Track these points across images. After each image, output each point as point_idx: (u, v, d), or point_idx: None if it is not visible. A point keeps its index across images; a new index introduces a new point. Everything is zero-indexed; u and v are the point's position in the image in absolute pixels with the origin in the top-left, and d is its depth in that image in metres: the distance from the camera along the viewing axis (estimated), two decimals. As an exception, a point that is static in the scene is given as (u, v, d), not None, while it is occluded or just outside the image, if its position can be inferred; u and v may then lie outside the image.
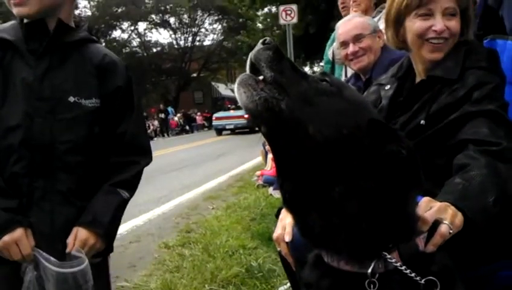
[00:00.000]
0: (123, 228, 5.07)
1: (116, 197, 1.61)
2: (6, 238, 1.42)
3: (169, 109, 31.83)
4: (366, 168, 0.98)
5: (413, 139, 1.59)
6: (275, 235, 1.68)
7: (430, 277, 0.98)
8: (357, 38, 2.51)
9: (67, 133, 1.53)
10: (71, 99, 1.53)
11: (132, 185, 1.68)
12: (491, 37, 1.87)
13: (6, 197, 1.46)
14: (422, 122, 1.55)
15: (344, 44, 2.57)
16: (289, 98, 1.00)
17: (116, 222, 1.63)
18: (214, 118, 24.55)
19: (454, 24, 1.58)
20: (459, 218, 1.14)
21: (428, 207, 1.12)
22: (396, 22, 1.68)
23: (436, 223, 1.08)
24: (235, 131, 21.99)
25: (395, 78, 1.77)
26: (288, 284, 2.47)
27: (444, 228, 1.08)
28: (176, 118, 31.13)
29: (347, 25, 2.58)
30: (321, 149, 0.98)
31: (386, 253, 1.00)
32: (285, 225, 1.70)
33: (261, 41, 1.07)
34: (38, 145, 1.50)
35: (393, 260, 0.99)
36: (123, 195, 1.63)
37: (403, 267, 0.99)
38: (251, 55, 1.05)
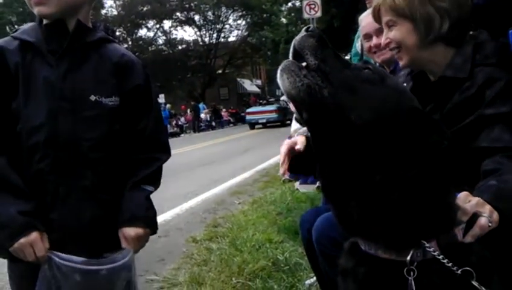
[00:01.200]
0: (152, 223, 5.16)
1: (142, 192, 1.65)
2: (22, 240, 1.45)
3: (201, 105, 32.21)
4: (407, 156, 0.98)
5: None
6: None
7: (467, 268, 0.98)
8: (380, 30, 2.47)
9: (89, 131, 1.56)
10: (92, 98, 1.57)
11: (155, 180, 1.72)
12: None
13: (25, 199, 1.49)
14: None
15: (367, 36, 2.54)
16: (331, 85, 1.01)
17: (151, 209, 1.68)
18: (247, 113, 25.63)
19: (393, 33, 1.58)
20: (497, 214, 1.13)
21: (467, 200, 1.12)
22: None
23: (475, 216, 1.08)
24: (267, 125, 22.79)
25: (410, 77, 1.76)
26: (314, 278, 2.48)
27: (483, 221, 1.07)
28: (202, 115, 31.36)
29: (370, 17, 2.56)
30: (362, 136, 0.99)
31: (424, 242, 1.00)
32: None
33: (304, 28, 1.08)
34: (63, 143, 1.53)
35: (432, 249, 1.00)
36: (148, 189, 1.67)
37: (441, 257, 0.99)
38: (295, 42, 1.07)
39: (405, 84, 1.75)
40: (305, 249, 2.14)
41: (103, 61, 1.63)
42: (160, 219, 5.30)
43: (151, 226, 1.68)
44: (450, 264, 0.98)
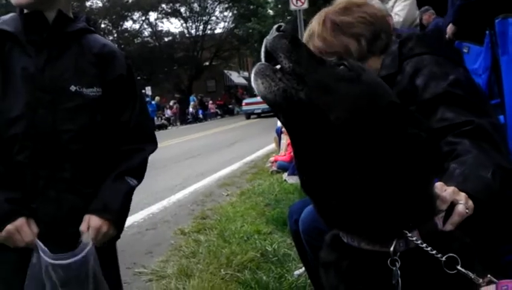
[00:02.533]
0: (139, 216, 5.14)
1: (124, 184, 1.63)
2: (9, 227, 1.45)
3: (192, 97, 32.22)
4: (386, 150, 0.98)
5: None
6: None
7: (451, 254, 0.99)
8: None
9: (69, 122, 1.54)
10: (72, 88, 1.55)
11: (139, 173, 1.70)
12: (502, 16, 1.84)
13: (10, 188, 1.49)
14: None
15: None
16: (307, 87, 0.99)
17: (125, 208, 1.65)
18: (244, 104, 27.65)
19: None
20: (471, 201, 1.15)
21: (443, 189, 1.14)
22: None
23: (452, 204, 1.10)
24: (261, 115, 24.39)
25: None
26: (303, 268, 2.49)
27: (461, 208, 1.10)
28: (191, 108, 31.27)
29: None
30: (341, 134, 0.98)
31: (407, 232, 1.01)
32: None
33: (275, 27, 1.05)
34: (41, 135, 1.51)
35: (415, 238, 1.00)
36: (131, 183, 1.65)
37: (424, 245, 1.00)
38: (266, 43, 1.04)
39: None
40: (294, 240, 2.14)
41: (84, 51, 1.61)
42: (147, 211, 5.32)
43: (118, 226, 1.64)
44: (434, 252, 0.99)
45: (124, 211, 1.65)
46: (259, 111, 24.52)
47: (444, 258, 0.99)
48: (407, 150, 0.99)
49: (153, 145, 1.76)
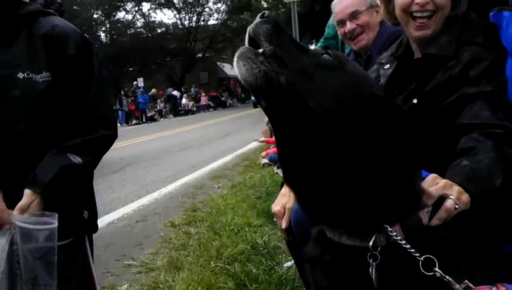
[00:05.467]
0: (130, 208, 5.13)
1: (63, 159, 1.52)
2: None
3: (192, 88, 32.34)
4: (366, 142, 0.97)
5: None
6: (273, 209, 1.68)
7: (429, 255, 0.97)
8: (353, 15, 2.44)
9: (18, 112, 1.48)
10: (20, 75, 1.48)
11: (83, 150, 1.56)
12: (497, 9, 1.83)
13: None
14: (414, 101, 1.52)
15: (341, 23, 2.50)
16: (289, 71, 0.98)
17: (58, 183, 1.51)
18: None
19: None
20: (466, 196, 1.12)
21: (434, 183, 1.11)
22: None
23: (442, 198, 1.07)
24: None
25: (393, 57, 1.74)
26: (293, 261, 2.49)
27: (449, 203, 1.07)
28: (184, 100, 31.22)
29: (342, 2, 2.51)
30: (321, 123, 0.96)
31: (387, 226, 0.99)
32: (284, 203, 1.69)
33: (259, 15, 1.05)
34: None
35: (394, 234, 0.99)
36: (72, 159, 1.52)
37: (403, 242, 0.98)
38: (249, 29, 1.03)
39: (388, 66, 1.73)
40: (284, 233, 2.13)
41: (32, 35, 1.53)
42: (138, 203, 5.31)
43: (46, 200, 1.49)
44: (412, 251, 0.97)
45: (55, 185, 1.50)
46: None
47: (422, 259, 0.97)
48: (389, 144, 0.97)
49: (108, 130, 1.63)
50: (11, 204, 1.45)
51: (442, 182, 1.12)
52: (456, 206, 1.07)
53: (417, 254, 0.98)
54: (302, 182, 1.04)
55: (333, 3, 2.59)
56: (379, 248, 1.00)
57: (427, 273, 0.96)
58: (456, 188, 1.12)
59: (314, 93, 0.97)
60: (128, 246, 3.70)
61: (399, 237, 0.99)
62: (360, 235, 1.02)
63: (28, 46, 1.51)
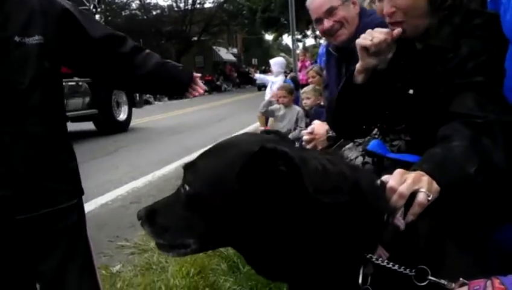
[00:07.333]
0: (124, 189, 5.13)
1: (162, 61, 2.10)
2: None
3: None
4: (281, 215, 0.96)
5: (406, 109, 1.57)
6: None
7: (421, 266, 0.96)
8: (329, 12, 2.37)
9: (20, 74, 1.50)
10: (17, 39, 1.49)
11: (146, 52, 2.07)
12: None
13: None
14: (410, 91, 1.51)
15: (318, 20, 2.43)
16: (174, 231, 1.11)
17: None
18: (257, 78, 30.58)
19: (401, 1, 1.47)
20: (436, 184, 1.11)
21: (402, 179, 1.08)
22: None
23: (413, 192, 1.05)
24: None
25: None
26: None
27: (421, 197, 1.05)
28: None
29: (317, 1, 2.43)
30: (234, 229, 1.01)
31: (371, 255, 0.97)
32: None
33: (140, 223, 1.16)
34: None
35: (380, 260, 0.97)
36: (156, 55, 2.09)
37: (390, 264, 0.96)
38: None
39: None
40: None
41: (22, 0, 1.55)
42: (132, 185, 5.31)
43: None
44: (402, 269, 0.96)
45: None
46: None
47: (413, 272, 0.96)
48: (276, 187, 0.94)
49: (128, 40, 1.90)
50: (26, 165, 1.50)
51: (411, 177, 1.09)
52: (429, 198, 1.06)
53: (407, 270, 0.96)
54: (261, 265, 1.06)
55: (308, 1, 2.50)
56: (369, 277, 0.97)
57: (420, 284, 0.95)
58: (425, 179, 1.10)
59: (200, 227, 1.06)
60: (121, 228, 3.72)
61: (385, 262, 0.96)
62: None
63: (17, 10, 1.52)
